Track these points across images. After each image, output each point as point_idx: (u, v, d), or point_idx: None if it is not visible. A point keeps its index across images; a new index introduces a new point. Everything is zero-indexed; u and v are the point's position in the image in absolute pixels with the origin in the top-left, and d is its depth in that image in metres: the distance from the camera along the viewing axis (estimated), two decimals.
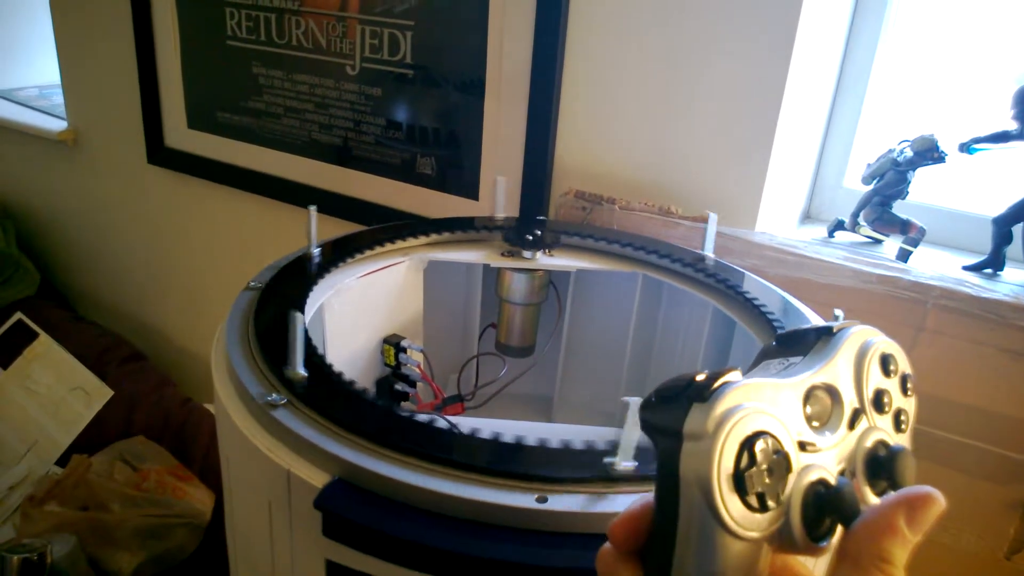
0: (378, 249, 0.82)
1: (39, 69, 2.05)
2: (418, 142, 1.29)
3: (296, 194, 1.45)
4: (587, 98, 1.12)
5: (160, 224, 1.74)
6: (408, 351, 0.83)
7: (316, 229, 0.80)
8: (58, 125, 1.82)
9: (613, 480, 0.49)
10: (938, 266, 1.02)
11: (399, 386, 0.84)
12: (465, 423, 0.72)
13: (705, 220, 1.09)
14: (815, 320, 0.74)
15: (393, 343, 0.83)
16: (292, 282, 0.72)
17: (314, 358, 0.60)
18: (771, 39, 0.96)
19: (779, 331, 0.71)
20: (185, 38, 1.51)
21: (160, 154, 1.62)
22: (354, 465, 0.50)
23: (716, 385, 0.26)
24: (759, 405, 0.26)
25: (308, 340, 0.62)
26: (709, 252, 0.89)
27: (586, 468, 0.50)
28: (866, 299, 1.00)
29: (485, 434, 0.53)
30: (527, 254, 0.84)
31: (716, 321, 0.83)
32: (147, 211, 1.74)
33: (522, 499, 0.48)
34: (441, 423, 0.54)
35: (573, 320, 0.91)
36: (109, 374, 1.69)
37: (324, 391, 0.57)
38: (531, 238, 0.85)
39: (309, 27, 1.33)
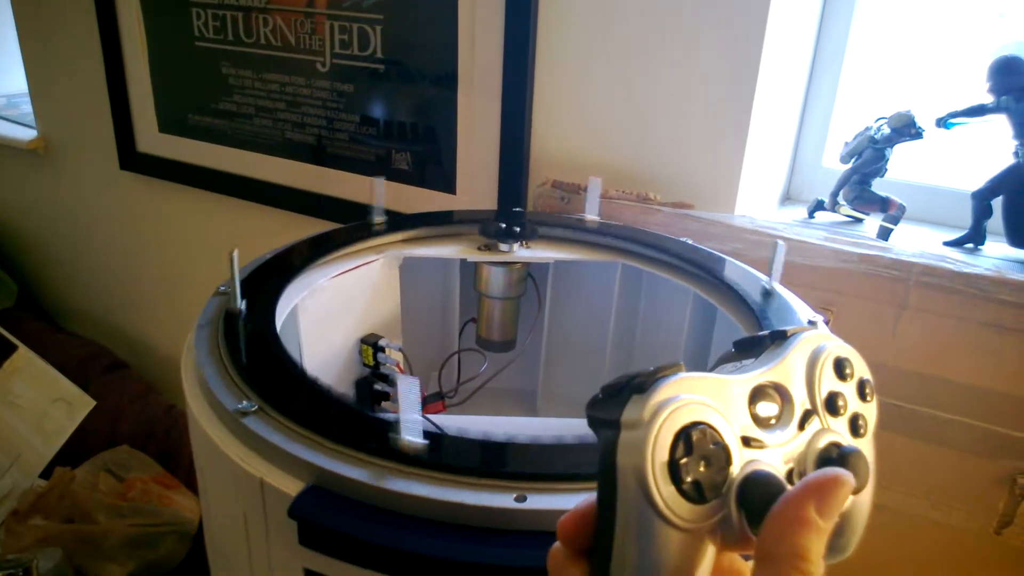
0: (351, 248, 0.81)
1: (7, 77, 2.01)
2: (393, 137, 1.27)
3: (271, 195, 1.43)
4: (561, 88, 1.11)
5: (136, 230, 1.71)
6: (387, 350, 0.81)
7: (383, 195, 0.80)
8: (28, 134, 1.79)
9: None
10: (919, 243, 1.01)
11: (379, 386, 0.83)
12: (446, 421, 0.71)
13: (685, 207, 1.09)
14: (797, 304, 0.73)
15: (371, 343, 0.81)
16: (263, 285, 0.70)
17: (285, 361, 0.58)
18: (744, 21, 0.95)
19: (759, 317, 0.70)
20: (152, 40, 1.48)
21: (132, 160, 1.60)
22: (328, 471, 0.48)
23: (656, 377, 0.26)
24: (698, 397, 0.26)
25: (277, 340, 0.60)
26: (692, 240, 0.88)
27: (564, 464, 0.49)
28: (848, 279, 0.99)
29: (457, 432, 0.52)
30: (504, 247, 0.83)
31: (697, 308, 0.82)
32: (122, 218, 1.72)
33: (501, 499, 0.47)
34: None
35: (554, 312, 0.90)
36: (91, 384, 1.67)
37: (296, 395, 0.55)
38: (507, 230, 0.83)
39: (277, 24, 1.31)
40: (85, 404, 1.64)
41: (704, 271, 0.78)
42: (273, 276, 0.72)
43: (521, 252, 0.84)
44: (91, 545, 1.35)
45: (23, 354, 1.72)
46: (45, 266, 1.98)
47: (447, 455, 0.50)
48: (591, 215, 0.88)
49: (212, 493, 0.59)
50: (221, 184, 1.49)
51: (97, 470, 1.44)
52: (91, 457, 1.49)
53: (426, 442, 0.49)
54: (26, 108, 1.84)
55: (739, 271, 0.79)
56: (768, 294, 0.73)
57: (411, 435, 0.49)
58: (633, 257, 0.85)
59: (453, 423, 0.70)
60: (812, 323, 0.71)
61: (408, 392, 0.49)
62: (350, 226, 0.85)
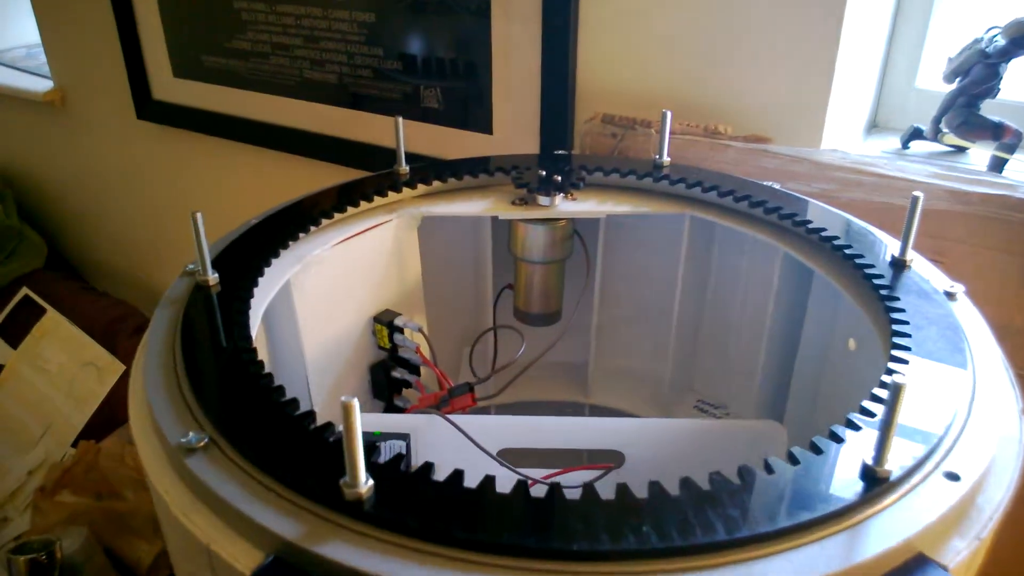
0: (356, 208, 0.66)
1: (26, 28, 1.90)
2: (420, 73, 1.11)
3: (293, 141, 1.30)
4: (610, 6, 0.94)
5: (158, 183, 1.61)
6: (405, 331, 0.68)
7: (403, 139, 0.69)
8: (46, 85, 1.68)
9: (698, 550, 0.34)
10: None
11: (397, 373, 0.69)
12: (473, 424, 0.57)
13: (761, 141, 0.91)
14: (930, 272, 0.56)
15: (386, 322, 0.68)
16: (241, 262, 0.57)
17: (250, 372, 0.45)
18: None
19: (873, 279, 0.54)
20: None
21: (149, 108, 1.48)
22: (297, 542, 0.35)
23: None
24: None
25: (246, 338, 0.47)
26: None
27: (642, 533, 0.35)
28: (964, 224, 0.82)
29: (488, 483, 0.37)
30: (544, 200, 0.67)
31: (788, 270, 0.66)
32: (142, 169, 1.62)
33: None
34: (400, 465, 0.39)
35: (606, 277, 0.75)
36: (119, 346, 1.59)
37: (262, 425, 0.42)
38: (547, 179, 0.68)
39: None
40: (115, 368, 1.56)
41: (793, 223, 0.61)
42: (258, 247, 0.59)
43: (565, 206, 0.68)
44: (119, 522, 1.27)
45: (52, 317, 1.65)
46: (71, 223, 1.89)
47: (474, 522, 0.36)
48: (662, 156, 0.72)
49: (168, 543, 0.47)
50: (241, 131, 1.36)
51: (124, 442, 1.36)
52: (119, 427, 1.41)
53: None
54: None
55: (843, 223, 0.62)
56: (900, 264, 0.56)
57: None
58: (705, 207, 0.68)
59: (483, 429, 0.56)
60: (950, 294, 0.54)
61: None
62: (356, 180, 0.70)
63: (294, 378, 0.64)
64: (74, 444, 1.50)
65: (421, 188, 0.70)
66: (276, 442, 0.40)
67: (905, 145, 0.97)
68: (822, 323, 0.65)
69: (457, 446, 0.57)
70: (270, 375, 0.45)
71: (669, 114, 0.70)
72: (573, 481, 0.58)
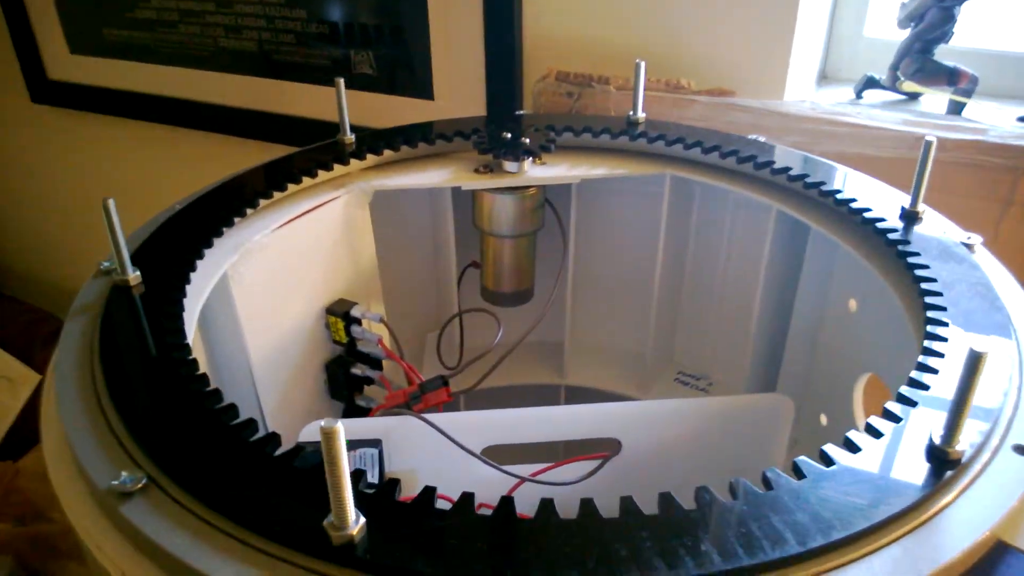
0: (298, 185, 0.58)
1: None
2: (351, 36, 1.02)
3: (210, 118, 1.18)
4: None
5: (62, 173, 1.47)
6: (363, 321, 0.60)
7: (346, 105, 0.61)
8: None
9: (768, 567, 0.28)
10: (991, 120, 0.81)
11: (357, 369, 0.61)
12: (452, 422, 0.50)
13: (725, 94, 0.86)
14: (943, 225, 0.52)
15: (340, 313, 0.60)
16: (166, 255, 0.48)
17: (190, 388, 0.37)
18: None
19: (886, 233, 0.49)
20: None
21: (45, 90, 1.34)
22: None
23: None
24: None
25: (182, 364, 0.39)
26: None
27: (700, 554, 0.28)
28: (940, 172, 0.78)
29: (506, 508, 0.31)
30: (511, 166, 0.60)
31: (781, 229, 0.60)
32: (44, 159, 1.47)
33: None
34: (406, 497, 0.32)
35: (580, 248, 0.68)
36: (35, 355, 1.46)
37: (210, 453, 0.34)
38: (513, 142, 0.61)
39: None
40: (30, 380, 1.43)
41: (797, 181, 0.56)
42: (186, 237, 0.50)
43: (535, 171, 0.61)
44: (48, 547, 1.16)
45: None
46: None
47: (505, 565, 0.29)
48: (636, 112, 0.65)
49: None
50: (152, 110, 1.24)
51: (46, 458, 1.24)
52: (38, 444, 1.29)
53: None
54: None
55: (841, 176, 0.57)
56: (912, 217, 0.51)
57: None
58: (685, 166, 0.62)
59: (463, 427, 0.49)
60: (968, 245, 0.49)
61: None
62: (296, 152, 0.62)
63: (239, 385, 0.56)
64: None
65: (371, 159, 0.61)
66: (233, 475, 0.33)
67: (859, 95, 0.94)
68: (818, 284, 0.60)
69: (436, 448, 0.51)
70: (217, 392, 0.37)
71: (643, 64, 0.64)
72: (570, 474, 0.52)
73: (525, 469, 0.52)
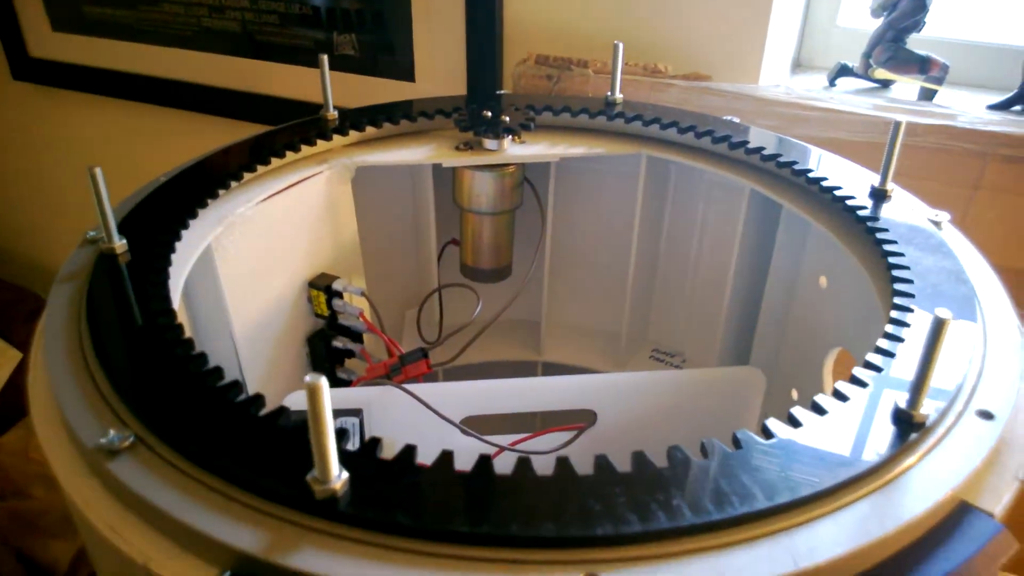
0: (282, 160, 0.59)
1: None
2: (333, 19, 1.02)
3: (192, 97, 1.18)
4: None
5: (42, 151, 1.46)
6: (345, 295, 0.61)
7: (330, 82, 0.62)
8: None
9: (737, 521, 0.29)
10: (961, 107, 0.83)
11: (338, 342, 0.62)
12: (431, 393, 0.51)
13: (701, 79, 0.87)
14: (912, 203, 0.53)
15: (323, 287, 0.60)
16: (151, 225, 0.49)
17: (176, 352, 0.37)
18: None
19: (855, 210, 0.51)
20: None
21: (25, 67, 1.33)
22: (258, 554, 0.29)
23: None
24: None
25: (168, 329, 0.39)
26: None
27: (672, 508, 0.30)
28: (909, 156, 0.80)
29: (484, 465, 0.32)
30: (491, 144, 0.61)
31: (754, 208, 0.62)
32: (24, 137, 1.46)
33: None
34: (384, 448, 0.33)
35: (557, 226, 0.70)
36: (14, 332, 1.45)
37: (196, 412, 0.35)
38: (493, 120, 0.61)
39: None
40: (11, 357, 1.43)
41: (770, 160, 0.57)
42: (171, 208, 0.51)
43: (514, 149, 0.62)
44: (29, 523, 1.16)
45: None
46: None
47: (484, 516, 0.30)
48: (614, 93, 0.66)
49: (94, 561, 0.39)
50: (134, 89, 1.23)
51: (27, 436, 1.24)
52: (18, 421, 1.28)
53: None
54: None
55: (813, 156, 0.59)
56: (881, 195, 0.52)
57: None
58: (661, 146, 0.63)
59: (442, 397, 0.50)
60: (936, 223, 0.51)
61: None
62: (279, 128, 0.63)
63: (222, 355, 0.56)
64: None
65: (353, 135, 0.62)
66: (219, 434, 0.34)
67: (832, 82, 0.96)
68: (789, 262, 0.62)
69: (416, 418, 0.52)
70: (203, 355, 0.37)
71: (621, 46, 0.65)
72: (546, 445, 0.54)
73: (503, 440, 0.53)
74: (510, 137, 0.62)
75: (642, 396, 0.55)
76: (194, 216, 0.51)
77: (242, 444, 0.33)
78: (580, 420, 0.55)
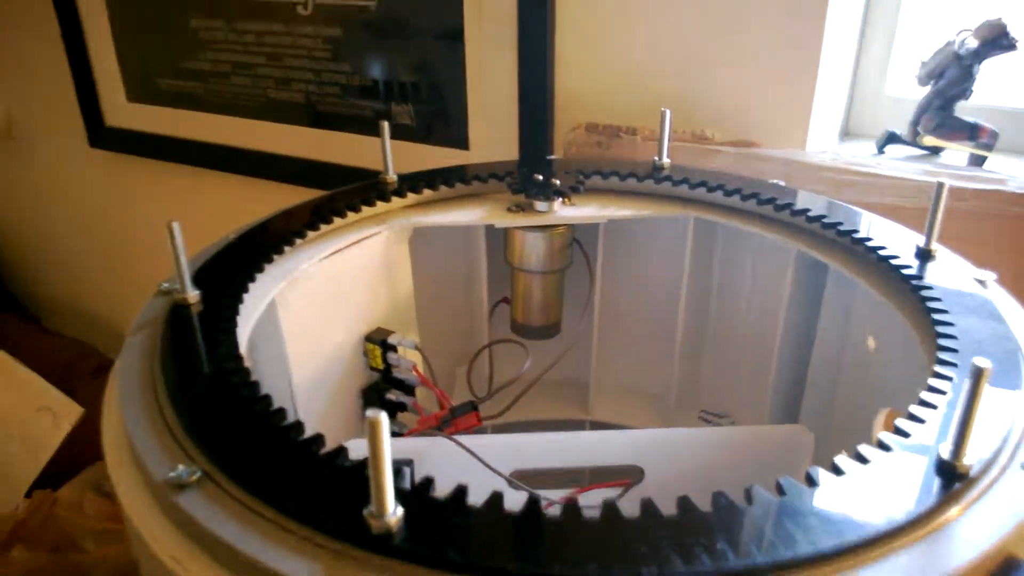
0: (343, 220, 0.62)
1: None
2: (391, 91, 1.07)
3: (260, 165, 1.24)
4: (588, 19, 0.92)
5: (113, 214, 1.54)
6: (399, 349, 0.63)
7: (390, 146, 0.65)
8: None
9: (737, 574, 0.30)
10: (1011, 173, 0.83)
11: (392, 395, 0.64)
12: (481, 445, 0.52)
13: (750, 145, 0.89)
14: (957, 263, 0.54)
15: (378, 341, 0.63)
16: (221, 279, 0.52)
17: (242, 394, 0.40)
18: None
19: (900, 269, 0.51)
20: None
21: (102, 135, 1.42)
22: None
23: None
24: None
25: (236, 372, 0.42)
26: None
27: (716, 552, 0.31)
28: (959, 221, 0.80)
29: (534, 506, 0.33)
30: (541, 206, 0.64)
31: (801, 269, 0.63)
32: (97, 201, 1.54)
33: None
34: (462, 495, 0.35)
35: (607, 286, 0.71)
36: (77, 389, 1.50)
37: (260, 450, 0.37)
38: (544, 183, 0.64)
39: None
40: (72, 412, 1.48)
41: (815, 221, 0.58)
42: (239, 263, 0.54)
43: (564, 211, 0.64)
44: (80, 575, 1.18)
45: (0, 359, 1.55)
46: (23, 262, 1.80)
47: (533, 556, 0.31)
48: (662, 157, 0.68)
49: None
50: (202, 156, 1.30)
51: (83, 490, 1.28)
52: (76, 475, 1.32)
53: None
54: None
55: (857, 217, 0.60)
56: (926, 255, 0.53)
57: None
58: (708, 208, 0.65)
59: (492, 450, 0.52)
60: (981, 282, 0.51)
61: None
62: (342, 190, 0.66)
63: (280, 404, 0.58)
64: (28, 495, 1.41)
65: (411, 197, 0.65)
66: (281, 471, 0.35)
67: (881, 149, 0.96)
68: (837, 323, 0.62)
69: (465, 469, 0.53)
70: (268, 396, 0.40)
71: (668, 113, 0.67)
72: (593, 500, 0.54)
73: (553, 495, 0.54)
74: (560, 199, 0.64)
75: (690, 452, 0.55)
76: (261, 271, 0.54)
77: (302, 481, 0.35)
78: (627, 476, 0.55)
